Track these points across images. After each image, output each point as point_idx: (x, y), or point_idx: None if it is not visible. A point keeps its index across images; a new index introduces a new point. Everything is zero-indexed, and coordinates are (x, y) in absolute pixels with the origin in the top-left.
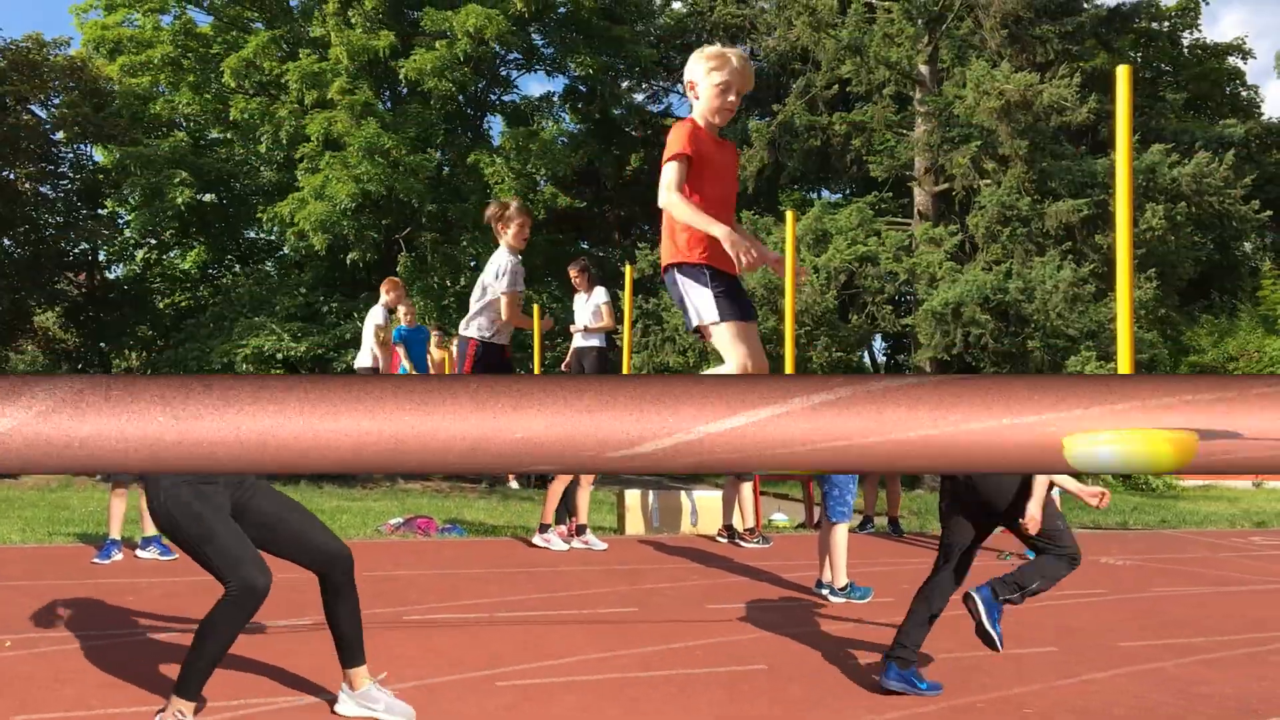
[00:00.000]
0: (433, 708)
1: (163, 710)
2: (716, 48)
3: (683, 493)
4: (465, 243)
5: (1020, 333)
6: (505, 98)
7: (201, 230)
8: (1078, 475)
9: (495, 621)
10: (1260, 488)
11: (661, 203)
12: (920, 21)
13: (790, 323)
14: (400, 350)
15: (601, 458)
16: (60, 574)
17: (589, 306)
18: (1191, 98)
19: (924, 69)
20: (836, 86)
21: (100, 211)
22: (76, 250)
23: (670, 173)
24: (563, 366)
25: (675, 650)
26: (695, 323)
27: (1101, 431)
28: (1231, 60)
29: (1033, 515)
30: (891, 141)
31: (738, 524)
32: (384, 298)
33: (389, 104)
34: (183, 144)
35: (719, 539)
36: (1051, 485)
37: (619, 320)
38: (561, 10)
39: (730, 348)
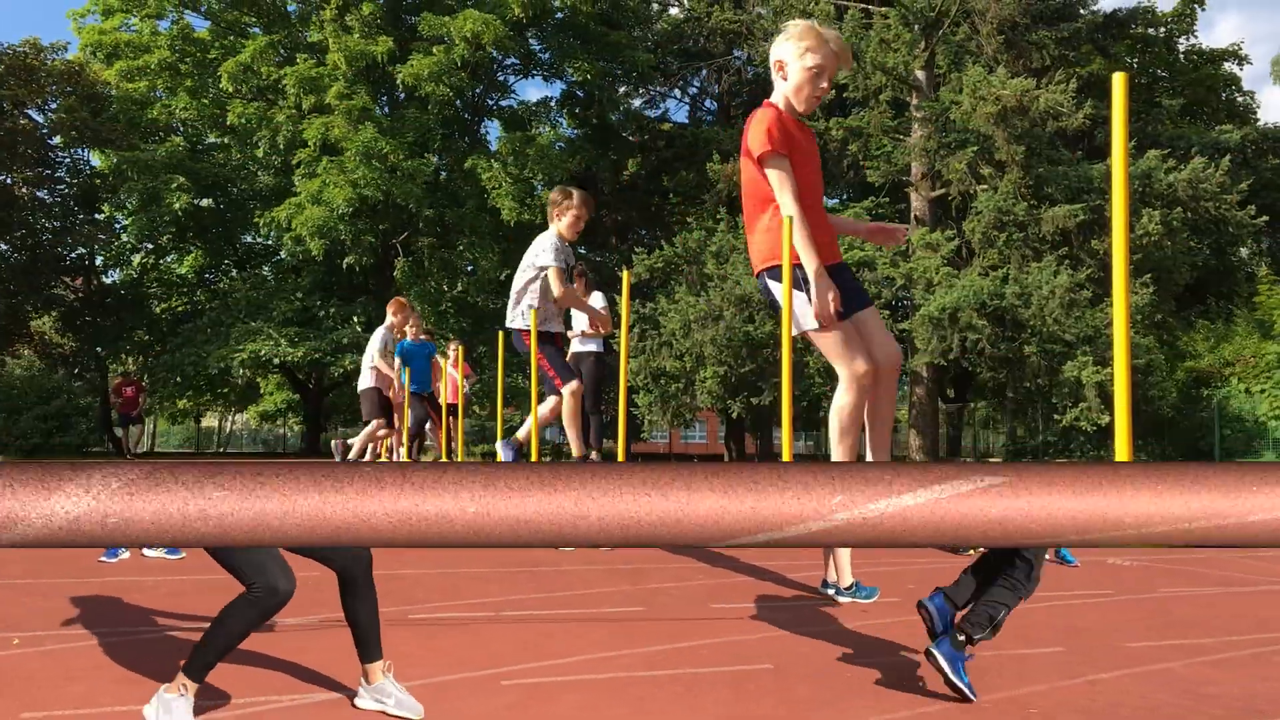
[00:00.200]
0: (438, 706)
1: (169, 684)
2: (811, 24)
3: None
4: (462, 247)
5: (1017, 338)
6: (503, 103)
7: (198, 235)
8: None
9: (499, 620)
10: None
11: (786, 212)
12: (917, 27)
13: (787, 329)
14: (397, 363)
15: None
16: (66, 572)
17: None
18: (1187, 103)
19: (920, 74)
20: (833, 92)
21: (97, 216)
22: (73, 255)
23: (781, 181)
24: None
25: (680, 649)
26: (794, 331)
27: None
28: (1227, 66)
29: None
30: (888, 147)
31: None
32: (389, 319)
33: (386, 109)
34: (180, 149)
35: None
36: None
37: (615, 325)
38: (559, 16)
39: (835, 360)
